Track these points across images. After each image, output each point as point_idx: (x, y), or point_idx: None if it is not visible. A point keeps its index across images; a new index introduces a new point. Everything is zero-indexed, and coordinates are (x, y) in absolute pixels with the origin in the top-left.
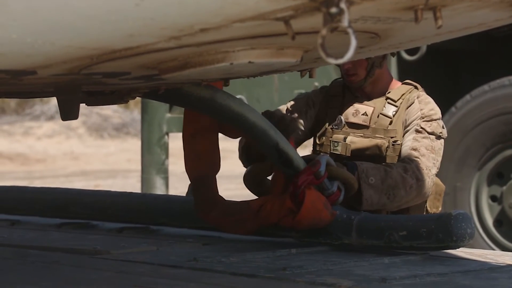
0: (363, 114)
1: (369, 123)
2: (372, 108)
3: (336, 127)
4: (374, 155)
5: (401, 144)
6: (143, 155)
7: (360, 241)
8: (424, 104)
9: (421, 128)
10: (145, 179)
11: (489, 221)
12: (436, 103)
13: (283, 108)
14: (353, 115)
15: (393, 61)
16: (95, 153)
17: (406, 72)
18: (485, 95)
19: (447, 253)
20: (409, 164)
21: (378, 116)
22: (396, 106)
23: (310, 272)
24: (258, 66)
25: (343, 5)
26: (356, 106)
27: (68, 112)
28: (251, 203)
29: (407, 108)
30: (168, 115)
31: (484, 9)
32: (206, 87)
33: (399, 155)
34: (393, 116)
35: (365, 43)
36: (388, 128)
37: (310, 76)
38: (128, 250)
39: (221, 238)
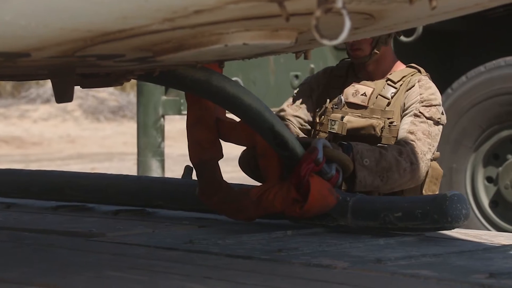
0: (362, 94)
1: (368, 103)
2: (372, 89)
3: (336, 106)
4: (369, 135)
5: (397, 126)
6: (139, 138)
7: (355, 223)
8: (424, 89)
9: (420, 112)
10: (141, 161)
11: (485, 202)
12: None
13: (289, 100)
14: (352, 95)
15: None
16: (91, 136)
17: (402, 54)
18: (480, 76)
19: (442, 234)
20: (404, 147)
21: (376, 97)
22: (396, 88)
23: (306, 254)
24: (253, 48)
25: None
26: (357, 86)
27: (62, 95)
28: (250, 192)
29: (407, 91)
30: (164, 97)
31: None
32: (202, 69)
33: (396, 137)
34: (391, 97)
35: (359, 24)
36: (386, 109)
37: (305, 58)
38: (124, 232)
39: (217, 220)
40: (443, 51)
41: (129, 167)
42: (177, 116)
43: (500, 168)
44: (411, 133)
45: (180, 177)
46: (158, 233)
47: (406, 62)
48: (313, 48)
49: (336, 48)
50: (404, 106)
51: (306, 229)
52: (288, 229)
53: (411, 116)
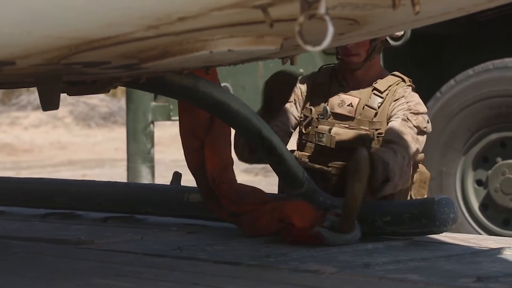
0: (348, 105)
1: (355, 114)
2: (358, 99)
3: (322, 117)
4: (359, 146)
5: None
6: (129, 144)
7: None
8: (410, 97)
9: (408, 119)
10: (131, 168)
11: (475, 205)
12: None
13: None
14: (338, 105)
15: None
16: (82, 143)
17: (391, 58)
18: (469, 80)
19: (431, 238)
20: (404, 151)
21: (363, 108)
22: (382, 98)
23: (294, 259)
24: (238, 54)
25: None
26: (342, 96)
27: (49, 102)
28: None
29: (394, 101)
30: (153, 103)
31: None
32: (188, 76)
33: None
34: (378, 107)
35: (344, 29)
36: (373, 120)
37: (292, 63)
38: (112, 239)
39: (205, 226)
40: (431, 55)
41: (120, 174)
42: (168, 122)
43: (490, 171)
44: (403, 133)
45: (169, 183)
46: (147, 240)
47: (395, 66)
48: (299, 54)
49: (325, 52)
50: (390, 114)
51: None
52: (276, 234)
53: (399, 118)
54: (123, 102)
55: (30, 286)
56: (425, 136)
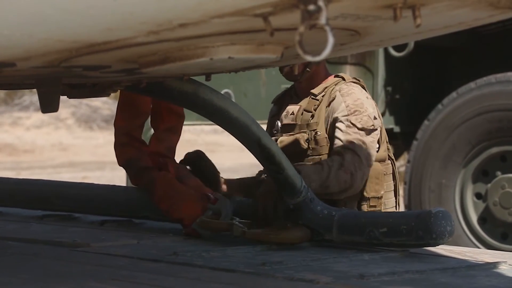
0: (291, 114)
1: (296, 121)
2: (299, 107)
3: (276, 131)
4: (298, 150)
5: (321, 135)
6: None
7: (341, 238)
8: (347, 96)
9: (351, 123)
10: None
11: (474, 218)
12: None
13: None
14: (285, 117)
15: (380, 57)
16: (84, 145)
17: (394, 69)
18: (471, 93)
19: (427, 250)
20: (345, 160)
21: (302, 113)
22: (317, 100)
23: (289, 268)
24: (239, 61)
25: (321, 2)
26: (288, 108)
27: (48, 105)
28: None
29: (330, 102)
30: None
31: (463, 8)
32: (189, 81)
33: (323, 146)
34: (315, 110)
35: (345, 40)
36: (310, 122)
37: (292, 72)
38: (109, 243)
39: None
40: (435, 67)
41: (121, 177)
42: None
43: (489, 185)
44: (348, 142)
45: None
46: (143, 244)
47: (398, 77)
48: (300, 63)
49: (328, 61)
50: (330, 117)
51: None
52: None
53: (342, 126)
54: None
55: (24, 287)
56: (374, 133)
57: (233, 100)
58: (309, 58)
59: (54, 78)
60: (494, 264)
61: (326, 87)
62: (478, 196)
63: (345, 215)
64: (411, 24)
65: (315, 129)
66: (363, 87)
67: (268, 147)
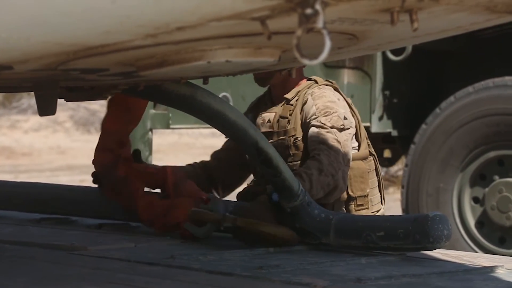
0: (267, 122)
1: (273, 128)
2: (274, 113)
3: None
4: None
5: (301, 141)
6: None
7: (338, 241)
8: (318, 99)
9: (322, 123)
10: None
11: (471, 222)
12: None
13: None
14: (261, 125)
15: (378, 61)
16: (82, 148)
17: (392, 72)
18: (469, 97)
19: (424, 254)
20: (322, 163)
21: (278, 120)
22: (292, 105)
23: (287, 271)
24: (236, 65)
25: (318, 6)
26: (263, 115)
27: (45, 108)
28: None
29: (303, 105)
30: (152, 111)
31: (460, 12)
32: (187, 85)
33: (304, 152)
34: (290, 115)
35: (343, 44)
36: (287, 128)
37: (290, 76)
38: (106, 246)
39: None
40: (433, 71)
41: None
42: (167, 130)
43: (487, 189)
44: (323, 143)
45: None
46: (140, 248)
47: (395, 81)
48: (297, 66)
49: (326, 65)
50: (304, 120)
51: (289, 246)
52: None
53: (314, 128)
54: None
55: None
56: (347, 131)
57: (231, 103)
58: (306, 61)
59: (52, 81)
60: (491, 268)
61: (299, 91)
62: (475, 200)
63: (343, 218)
64: (409, 28)
65: (294, 135)
66: (336, 89)
67: (265, 151)
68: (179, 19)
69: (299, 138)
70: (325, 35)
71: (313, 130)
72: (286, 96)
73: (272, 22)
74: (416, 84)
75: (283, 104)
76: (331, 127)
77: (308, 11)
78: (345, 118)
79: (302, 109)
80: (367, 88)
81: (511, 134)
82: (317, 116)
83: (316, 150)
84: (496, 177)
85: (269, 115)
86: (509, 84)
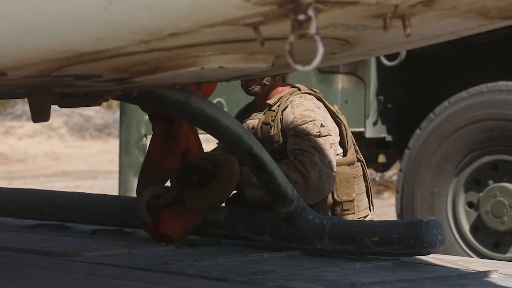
0: (251, 129)
1: (258, 135)
2: (257, 120)
3: None
4: None
5: (285, 147)
6: (121, 157)
7: (332, 246)
8: (296, 108)
9: (297, 132)
10: (122, 180)
11: (466, 227)
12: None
13: None
14: None
15: (372, 66)
16: (76, 154)
17: (386, 78)
18: (463, 102)
19: (419, 259)
20: (292, 162)
21: (261, 127)
22: (274, 111)
23: (281, 277)
24: (229, 71)
25: (311, 12)
26: (248, 122)
27: (39, 114)
28: None
29: (283, 112)
30: (147, 117)
31: (453, 18)
32: (180, 90)
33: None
34: (273, 121)
35: (336, 49)
36: (271, 134)
37: (283, 81)
38: (100, 252)
39: (194, 241)
40: (426, 76)
41: (113, 186)
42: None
43: (481, 194)
44: (296, 149)
45: None
46: (134, 254)
47: (389, 86)
48: (291, 72)
49: (320, 71)
50: (283, 126)
51: (283, 251)
52: (265, 251)
53: (292, 137)
54: (118, 114)
55: None
56: (323, 138)
57: (225, 109)
58: (299, 67)
59: (45, 88)
60: (485, 273)
61: (281, 97)
62: (470, 205)
63: (337, 224)
64: (401, 34)
65: (278, 140)
66: (319, 98)
67: (259, 156)
68: (173, 25)
69: (283, 145)
70: (318, 41)
71: (290, 139)
72: (268, 101)
73: (265, 28)
74: (410, 89)
75: (266, 111)
76: (307, 135)
77: (301, 17)
78: (322, 126)
79: (282, 116)
80: (361, 93)
81: (505, 139)
82: (294, 125)
83: (291, 157)
84: (491, 182)
85: (253, 122)
86: (503, 89)
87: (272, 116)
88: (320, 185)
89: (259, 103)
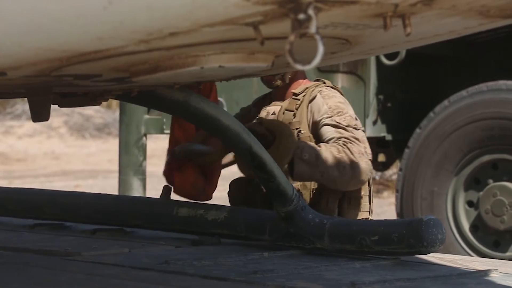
0: (272, 114)
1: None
2: (280, 107)
3: None
4: None
5: (305, 134)
6: (121, 156)
7: (332, 246)
8: (328, 99)
9: (337, 122)
10: (122, 180)
11: (466, 226)
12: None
13: None
14: (265, 117)
15: (372, 65)
16: (76, 153)
17: (385, 77)
18: (463, 101)
19: (418, 258)
20: (342, 147)
21: (283, 113)
22: (299, 99)
23: (281, 276)
24: (229, 70)
25: (311, 11)
26: (267, 108)
27: (39, 113)
28: None
29: (310, 101)
30: (146, 116)
31: (453, 17)
32: (180, 90)
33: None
34: (296, 109)
35: (336, 49)
36: (293, 121)
37: (283, 81)
38: (100, 252)
39: (194, 241)
40: (426, 75)
41: (113, 185)
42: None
43: (481, 193)
44: (340, 138)
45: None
46: (134, 253)
47: (389, 85)
48: (290, 71)
49: (320, 70)
50: (312, 117)
51: (283, 251)
52: (265, 250)
53: (330, 127)
54: (118, 114)
55: None
56: (360, 131)
57: (225, 108)
58: (299, 66)
59: (45, 87)
60: (485, 272)
61: (306, 88)
62: (470, 204)
63: (337, 223)
64: (401, 33)
65: (298, 128)
66: (341, 94)
67: (259, 155)
68: (172, 24)
69: (303, 132)
70: (318, 40)
71: (327, 128)
72: (293, 91)
73: (265, 27)
74: (410, 88)
75: (290, 99)
76: (347, 126)
77: (301, 16)
78: (356, 119)
79: (308, 105)
80: (361, 93)
81: (505, 138)
82: (330, 115)
83: (336, 142)
84: (490, 181)
85: (274, 108)
86: (503, 88)
87: (296, 104)
88: (364, 175)
89: (278, 94)
